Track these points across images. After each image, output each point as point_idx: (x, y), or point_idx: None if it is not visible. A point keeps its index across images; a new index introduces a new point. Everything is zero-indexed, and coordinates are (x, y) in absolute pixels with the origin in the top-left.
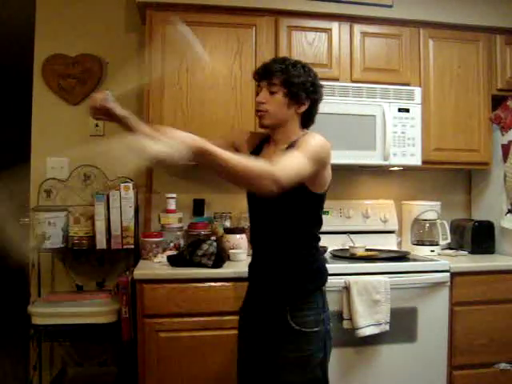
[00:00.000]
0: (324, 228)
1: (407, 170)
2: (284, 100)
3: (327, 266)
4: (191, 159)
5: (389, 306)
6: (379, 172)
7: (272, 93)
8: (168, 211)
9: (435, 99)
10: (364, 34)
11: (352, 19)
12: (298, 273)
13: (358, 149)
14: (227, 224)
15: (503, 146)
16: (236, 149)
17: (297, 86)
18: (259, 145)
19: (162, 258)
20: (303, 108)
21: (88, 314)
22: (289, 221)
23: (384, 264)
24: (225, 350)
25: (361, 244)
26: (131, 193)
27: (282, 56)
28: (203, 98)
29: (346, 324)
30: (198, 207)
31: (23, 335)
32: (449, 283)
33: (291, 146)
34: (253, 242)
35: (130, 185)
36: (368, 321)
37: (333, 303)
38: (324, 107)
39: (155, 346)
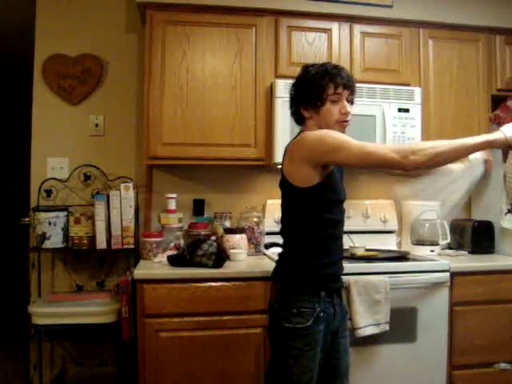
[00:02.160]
0: None
1: None
2: None
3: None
4: None
5: (389, 306)
6: (379, 172)
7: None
8: (168, 211)
9: (435, 99)
10: (364, 34)
11: (352, 19)
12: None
13: None
14: (227, 224)
15: None
16: None
17: None
18: None
19: (162, 257)
20: None
21: (88, 313)
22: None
23: (384, 264)
24: (225, 350)
25: (361, 244)
26: (131, 193)
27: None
28: (203, 98)
29: None
30: (198, 207)
31: (23, 335)
32: (449, 283)
33: None
34: None
35: (130, 185)
36: (368, 321)
37: None
38: None
39: (155, 346)
